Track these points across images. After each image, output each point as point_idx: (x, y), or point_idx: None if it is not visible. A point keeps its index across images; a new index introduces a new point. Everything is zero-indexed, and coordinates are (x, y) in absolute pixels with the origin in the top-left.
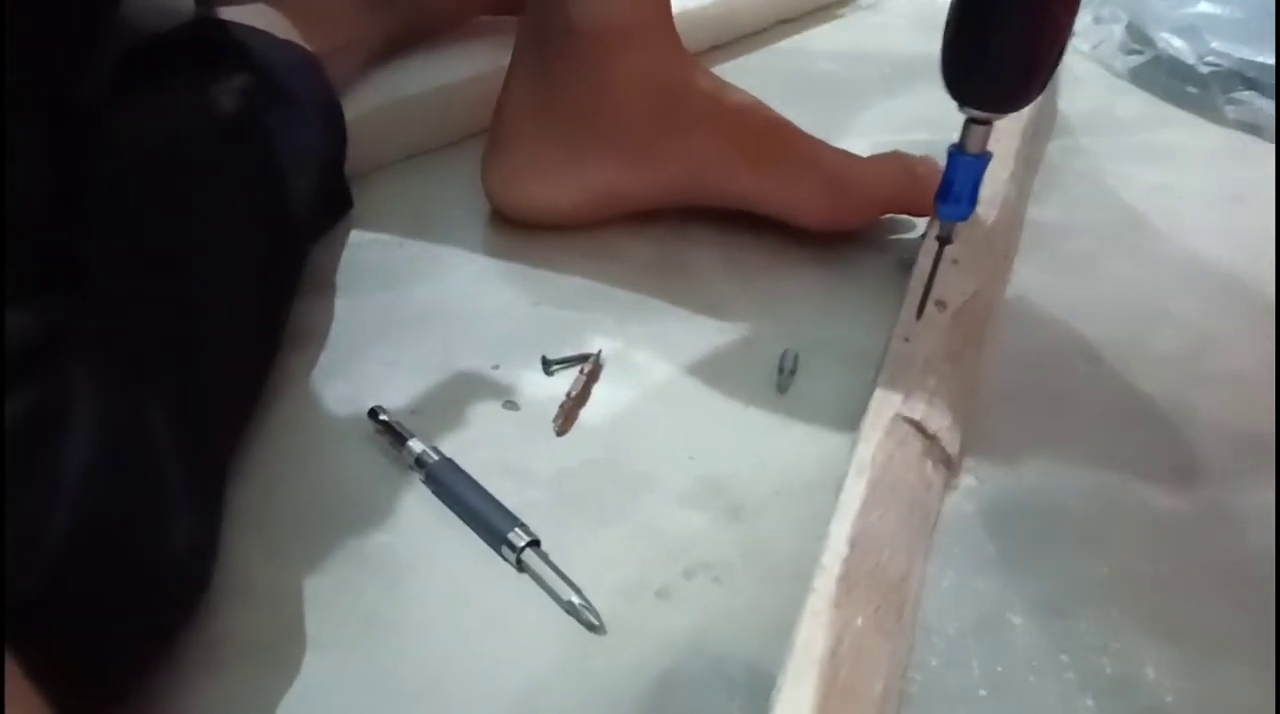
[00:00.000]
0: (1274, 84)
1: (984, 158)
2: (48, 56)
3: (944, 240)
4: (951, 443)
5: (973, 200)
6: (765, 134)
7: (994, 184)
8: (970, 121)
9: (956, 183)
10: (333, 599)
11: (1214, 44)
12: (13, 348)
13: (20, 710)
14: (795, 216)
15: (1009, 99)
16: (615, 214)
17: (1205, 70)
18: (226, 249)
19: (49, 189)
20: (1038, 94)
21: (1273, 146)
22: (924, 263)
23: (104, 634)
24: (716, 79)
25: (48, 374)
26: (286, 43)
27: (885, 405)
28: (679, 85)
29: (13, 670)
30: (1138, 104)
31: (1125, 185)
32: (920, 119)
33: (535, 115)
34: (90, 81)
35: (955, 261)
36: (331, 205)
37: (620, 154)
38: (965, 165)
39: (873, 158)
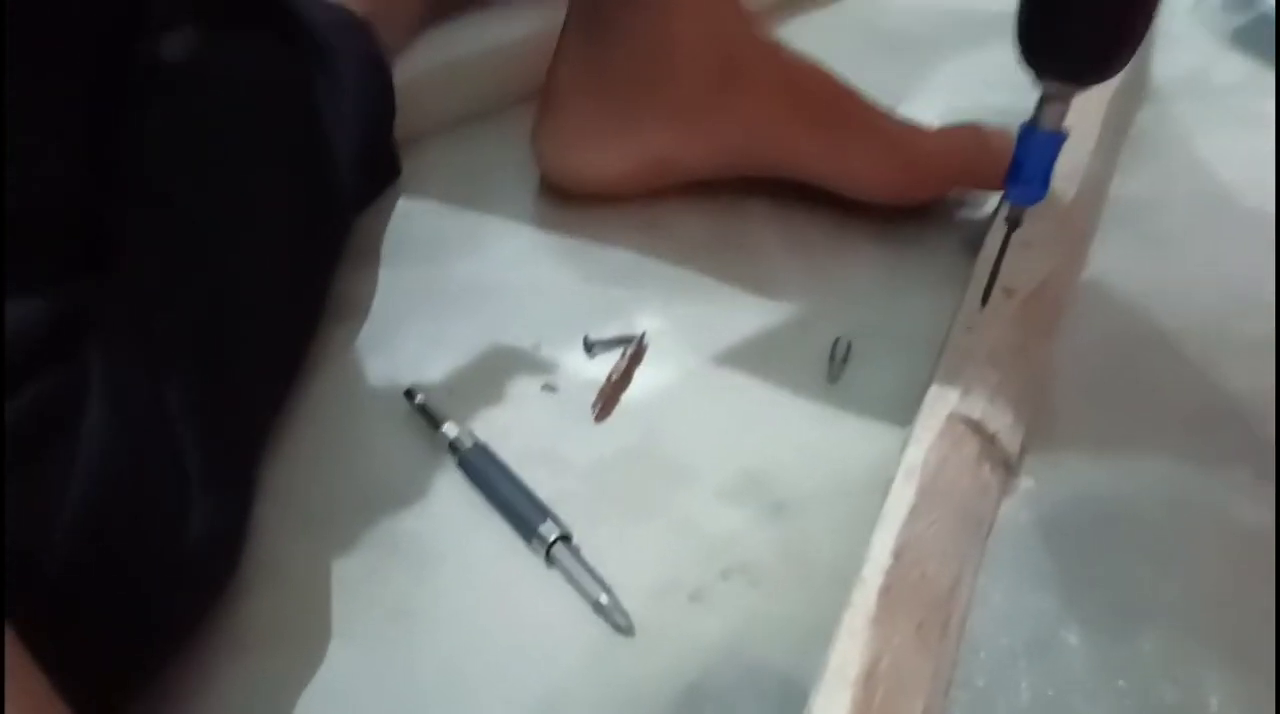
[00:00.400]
0: None
1: (1060, 136)
2: (126, 37)
3: (1013, 223)
4: (1012, 443)
5: (1046, 182)
6: (828, 102)
7: (1075, 156)
8: (1047, 95)
9: (1028, 163)
10: (360, 586)
11: None
12: (26, 337)
13: (21, 699)
14: (857, 189)
15: (1093, 69)
16: (669, 183)
17: None
18: (267, 217)
19: (85, 168)
20: (1126, 64)
21: None
22: (991, 245)
23: (120, 622)
24: (778, 43)
25: (64, 362)
26: (335, 4)
27: (940, 403)
28: (739, 48)
29: (13, 660)
30: (1238, 68)
31: (1221, 158)
32: (1002, 81)
33: (589, 78)
34: (173, 57)
35: (1027, 244)
36: (379, 172)
37: (676, 119)
38: (1039, 144)
39: (943, 129)
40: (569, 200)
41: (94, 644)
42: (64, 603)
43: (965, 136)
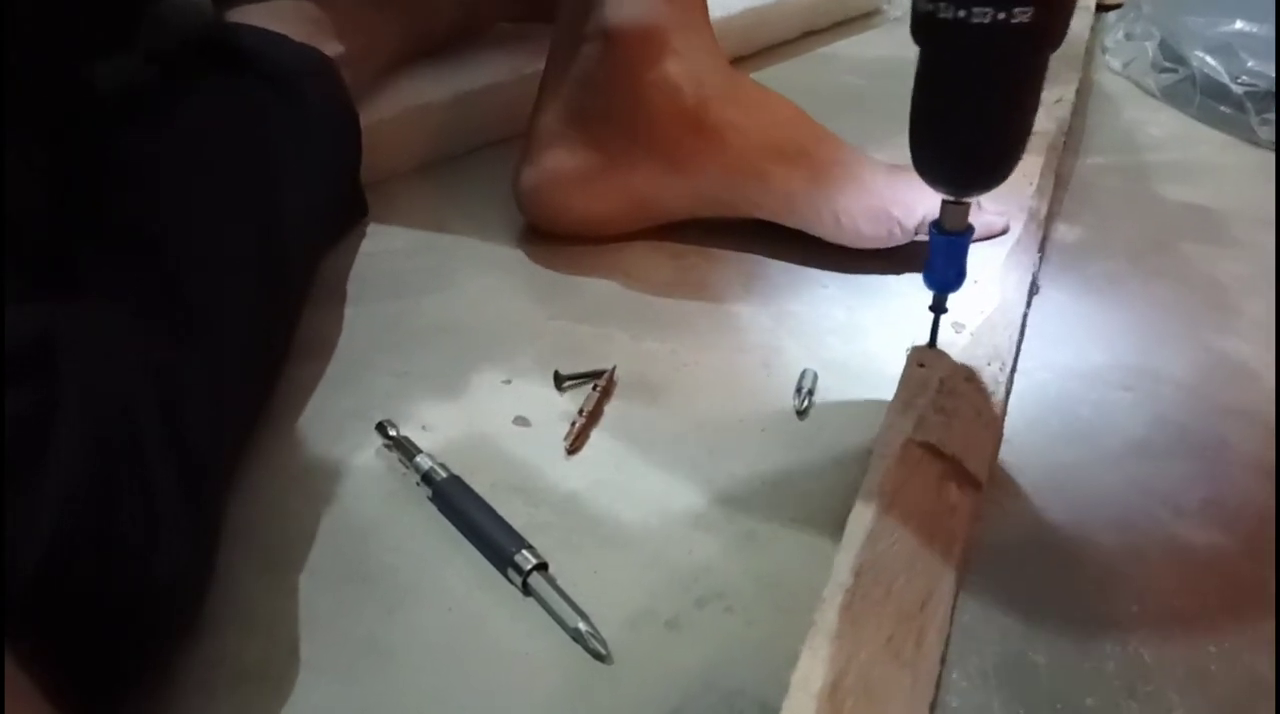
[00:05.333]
0: None
1: (964, 237)
2: (59, 61)
3: (937, 308)
4: (974, 462)
5: (961, 273)
6: (807, 146)
7: (1019, 199)
8: (944, 201)
9: (938, 260)
10: (331, 621)
11: (1249, 63)
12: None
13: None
14: (835, 233)
15: (974, 183)
16: (649, 224)
17: (1239, 89)
18: (231, 254)
19: (47, 192)
20: (1004, 177)
21: None
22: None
23: (85, 655)
24: (758, 86)
25: (33, 383)
26: (304, 47)
27: (895, 432)
28: (718, 91)
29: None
30: (1170, 122)
31: (1157, 205)
32: None
33: (570, 125)
34: (106, 85)
35: (975, 281)
36: (345, 212)
37: (657, 164)
38: (946, 243)
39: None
40: (535, 240)
41: (56, 678)
42: (27, 634)
43: None
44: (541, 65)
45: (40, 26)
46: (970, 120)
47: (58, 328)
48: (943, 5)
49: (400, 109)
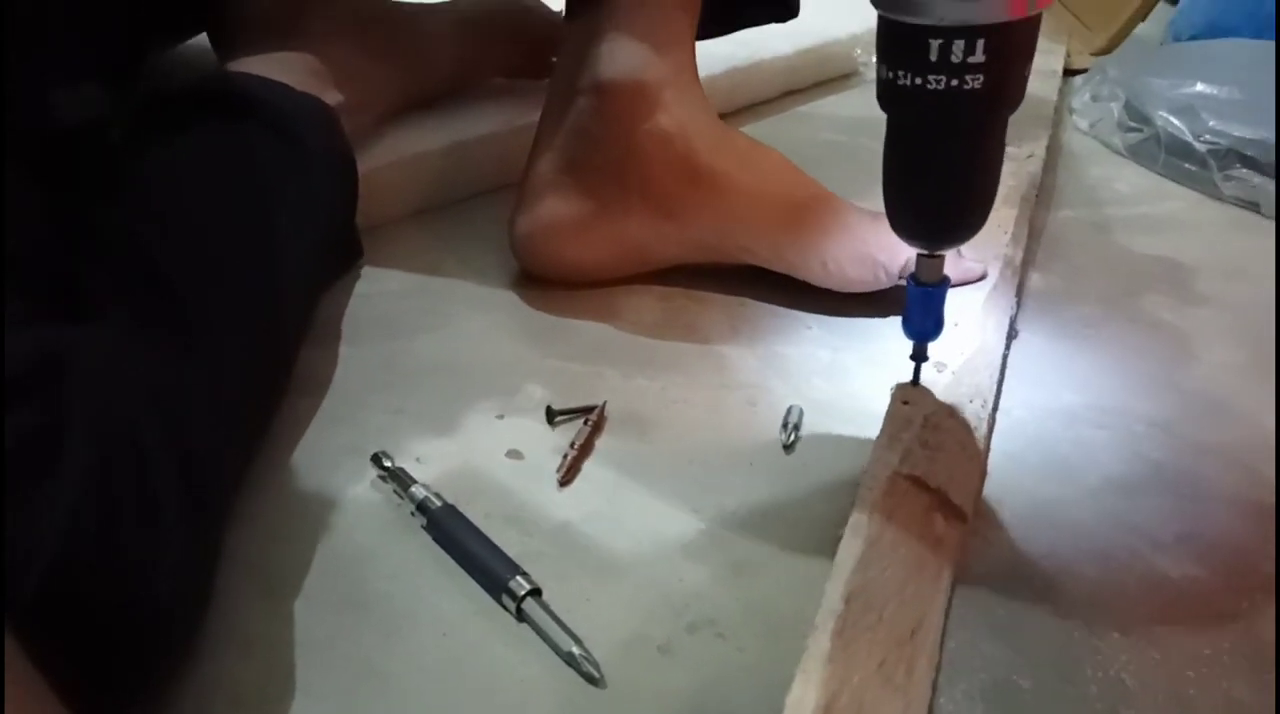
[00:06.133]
0: (1273, 162)
1: (940, 289)
2: (66, 98)
3: (918, 357)
4: (960, 495)
5: (939, 324)
6: (797, 195)
7: (994, 247)
8: (919, 254)
9: (914, 312)
10: (328, 647)
11: (1211, 123)
12: (3, 376)
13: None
14: (824, 279)
15: (943, 238)
16: (641, 270)
17: (1203, 148)
18: (232, 284)
19: (52, 219)
20: (974, 232)
21: (1272, 222)
22: None
23: (86, 675)
24: (747, 137)
25: (40, 404)
26: (304, 95)
27: (882, 465)
28: (708, 143)
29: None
30: (1136, 179)
31: (1126, 256)
32: None
33: (566, 174)
34: (113, 126)
35: (955, 324)
36: (341, 255)
37: (650, 209)
38: (920, 295)
39: None
40: (526, 283)
41: (57, 695)
42: (30, 648)
43: None
44: (534, 117)
45: (51, 57)
46: (936, 179)
47: (64, 351)
48: (900, 73)
49: (396, 157)
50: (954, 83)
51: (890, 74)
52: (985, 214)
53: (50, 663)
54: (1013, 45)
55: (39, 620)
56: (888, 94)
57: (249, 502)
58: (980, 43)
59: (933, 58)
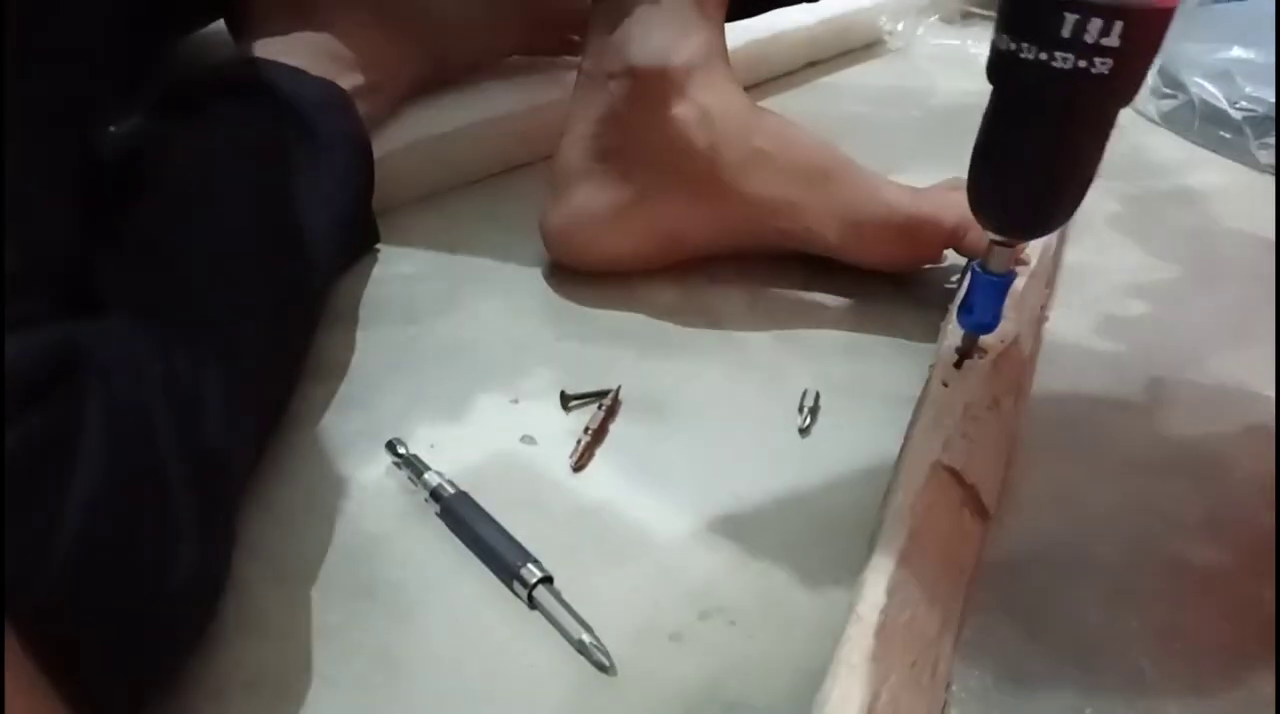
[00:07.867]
0: None
1: (1007, 278)
2: (86, 88)
3: (964, 353)
4: (989, 494)
5: (997, 316)
6: (832, 173)
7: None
8: (994, 242)
9: (977, 301)
10: (342, 633)
11: (1247, 89)
12: (22, 372)
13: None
14: (860, 256)
15: (1031, 228)
16: (675, 258)
17: (1238, 115)
18: (248, 272)
19: (72, 217)
20: (1061, 223)
21: None
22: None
23: (104, 662)
24: (778, 116)
25: (58, 400)
26: (319, 79)
27: (925, 452)
28: (741, 122)
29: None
30: (1170, 147)
31: (1160, 229)
32: (955, 162)
33: (598, 161)
34: (129, 115)
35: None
36: (358, 239)
37: (685, 199)
38: (987, 284)
39: (935, 188)
40: (542, 267)
41: (74, 683)
42: (48, 640)
43: (958, 194)
44: (553, 96)
45: (64, 49)
46: (1038, 164)
47: (81, 346)
48: (1025, 46)
49: (412, 139)
50: (1081, 63)
51: (1012, 45)
52: (1074, 208)
53: (67, 654)
54: (1147, 35)
55: (53, 621)
56: (1004, 66)
57: (263, 488)
58: (1119, 25)
59: (1065, 33)
